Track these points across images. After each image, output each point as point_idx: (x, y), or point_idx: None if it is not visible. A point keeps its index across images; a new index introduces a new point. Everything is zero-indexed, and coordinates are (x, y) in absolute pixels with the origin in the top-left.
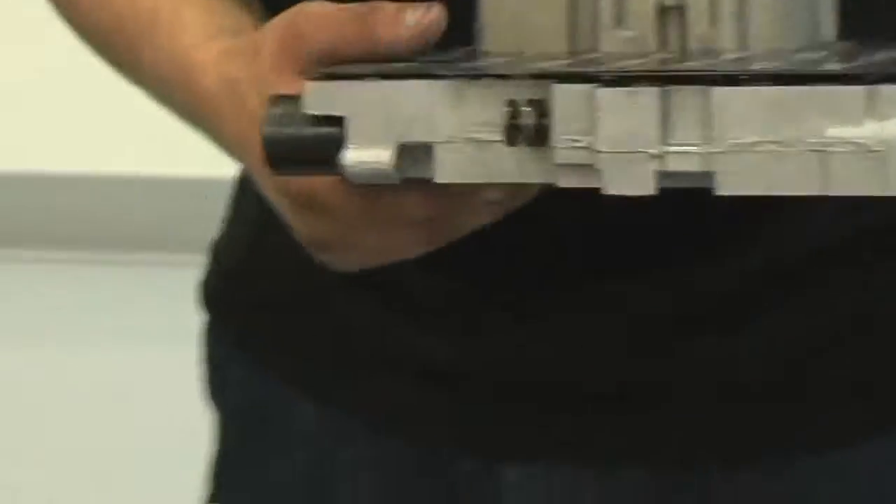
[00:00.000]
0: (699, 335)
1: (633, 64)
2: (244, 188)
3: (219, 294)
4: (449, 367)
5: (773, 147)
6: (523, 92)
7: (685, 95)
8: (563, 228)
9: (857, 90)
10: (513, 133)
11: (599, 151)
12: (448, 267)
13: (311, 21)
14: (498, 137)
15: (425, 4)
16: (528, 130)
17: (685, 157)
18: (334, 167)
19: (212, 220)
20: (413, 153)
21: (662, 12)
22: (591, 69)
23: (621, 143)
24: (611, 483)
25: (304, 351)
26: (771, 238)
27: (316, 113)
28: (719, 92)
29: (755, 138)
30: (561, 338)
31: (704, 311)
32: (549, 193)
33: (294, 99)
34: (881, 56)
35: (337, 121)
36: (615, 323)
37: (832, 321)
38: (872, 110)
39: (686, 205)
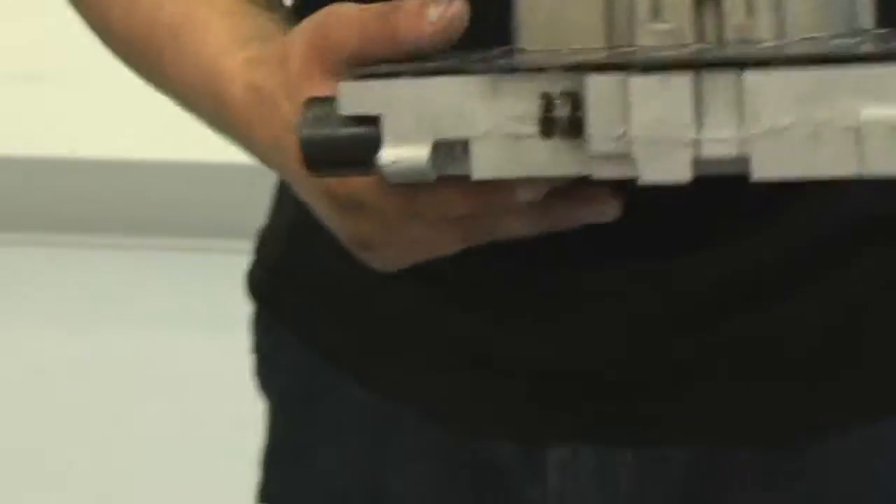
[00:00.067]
0: (738, 313)
1: (666, 52)
2: None
3: (264, 284)
4: (493, 355)
5: (807, 130)
6: (557, 84)
7: (718, 80)
8: None
9: (892, 70)
10: (547, 125)
11: (634, 140)
12: (489, 255)
13: (337, 23)
14: (533, 131)
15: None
16: (563, 122)
17: (720, 142)
18: (371, 167)
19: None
20: (449, 150)
21: (699, 4)
22: (623, 59)
23: (655, 131)
24: (648, 462)
25: (353, 339)
26: (809, 213)
27: (351, 113)
28: (752, 75)
29: (789, 121)
30: (599, 323)
31: (742, 288)
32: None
33: (328, 101)
34: None
35: (372, 120)
36: (652, 304)
37: (868, 294)
38: None
39: (720, 184)
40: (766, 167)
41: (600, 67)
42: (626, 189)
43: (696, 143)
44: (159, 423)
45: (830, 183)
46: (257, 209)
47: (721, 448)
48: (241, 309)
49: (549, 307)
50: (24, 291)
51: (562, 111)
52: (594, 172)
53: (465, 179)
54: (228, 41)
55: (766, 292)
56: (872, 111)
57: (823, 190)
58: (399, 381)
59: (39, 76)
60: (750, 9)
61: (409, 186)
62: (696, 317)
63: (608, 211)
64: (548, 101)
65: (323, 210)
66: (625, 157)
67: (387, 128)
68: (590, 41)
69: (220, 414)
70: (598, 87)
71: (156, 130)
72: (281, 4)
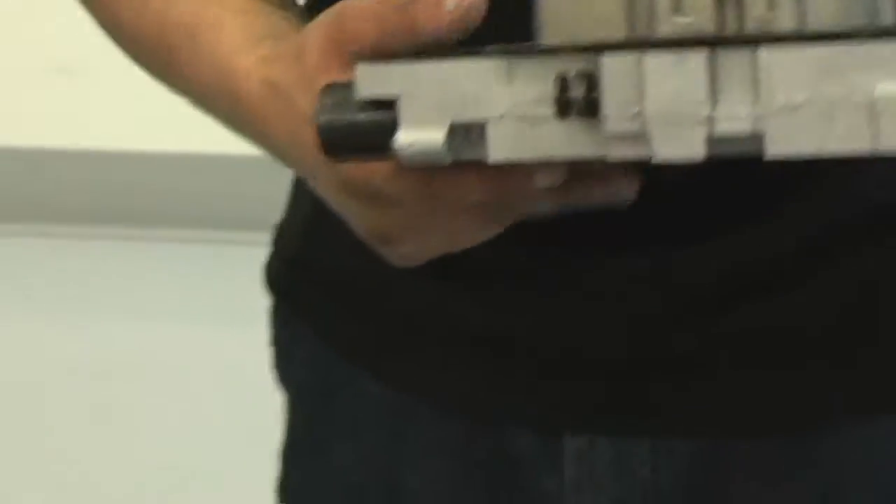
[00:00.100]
0: (752, 301)
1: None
2: None
3: (282, 276)
4: (510, 345)
5: (822, 106)
6: (573, 66)
7: (733, 58)
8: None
9: None
10: (563, 106)
11: (648, 118)
12: (509, 242)
13: (354, 16)
14: (549, 113)
15: None
16: (579, 103)
17: (734, 119)
18: (389, 150)
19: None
20: (465, 134)
21: None
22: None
23: (670, 108)
24: (664, 451)
25: (368, 334)
26: (817, 202)
27: (368, 95)
28: (766, 52)
29: (804, 98)
30: (615, 312)
31: (755, 276)
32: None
33: (346, 86)
34: None
35: (389, 105)
36: (668, 292)
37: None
38: None
39: (733, 171)
40: (781, 144)
41: (615, 47)
42: (643, 172)
43: (711, 120)
44: (160, 419)
45: (841, 167)
46: (261, 200)
47: (738, 439)
48: (241, 302)
49: (568, 298)
50: (26, 282)
51: (577, 91)
52: (609, 153)
53: (482, 165)
54: (242, 39)
55: (776, 282)
56: (887, 87)
57: (830, 180)
58: (415, 375)
59: (45, 69)
60: (771, 2)
61: (426, 172)
62: (711, 305)
63: (625, 191)
64: (563, 82)
65: (341, 203)
66: (640, 137)
67: (403, 111)
68: (611, 35)
69: (225, 407)
70: (613, 67)
71: (159, 122)
72: (294, 3)
